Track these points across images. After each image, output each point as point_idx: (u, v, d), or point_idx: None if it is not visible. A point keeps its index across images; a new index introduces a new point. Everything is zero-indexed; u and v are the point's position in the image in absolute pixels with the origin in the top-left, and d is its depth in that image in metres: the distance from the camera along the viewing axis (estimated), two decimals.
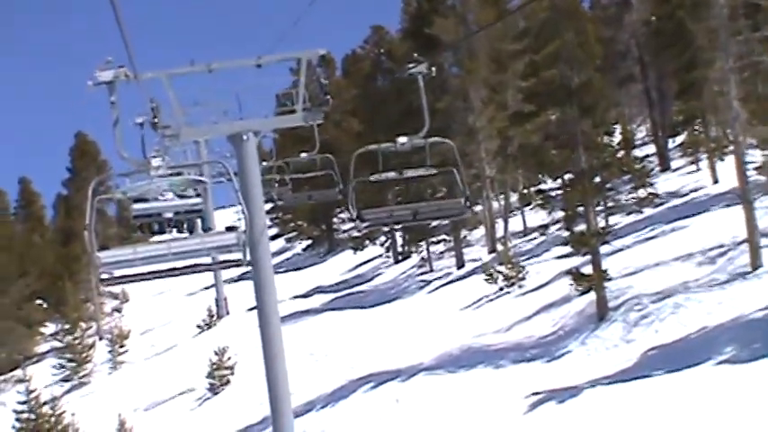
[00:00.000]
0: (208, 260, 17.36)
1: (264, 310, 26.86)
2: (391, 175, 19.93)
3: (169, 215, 18.26)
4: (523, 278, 49.35)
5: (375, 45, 79.73)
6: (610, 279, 37.65)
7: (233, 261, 16.60)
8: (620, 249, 43.86)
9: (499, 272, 50.23)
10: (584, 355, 35.61)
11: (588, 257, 45.46)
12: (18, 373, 78.62)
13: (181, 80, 29.54)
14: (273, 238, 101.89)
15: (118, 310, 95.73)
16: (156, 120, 24.03)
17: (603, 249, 40.24)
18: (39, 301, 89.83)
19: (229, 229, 16.58)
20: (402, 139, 19.42)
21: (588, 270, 39.05)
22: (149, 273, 16.56)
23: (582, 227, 38.56)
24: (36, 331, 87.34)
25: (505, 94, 61.26)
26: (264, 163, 33.84)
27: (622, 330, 35.49)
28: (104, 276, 16.27)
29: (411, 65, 20.24)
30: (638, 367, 31.91)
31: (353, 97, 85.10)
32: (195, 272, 17.21)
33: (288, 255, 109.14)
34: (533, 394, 32.40)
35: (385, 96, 71.70)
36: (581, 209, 38.03)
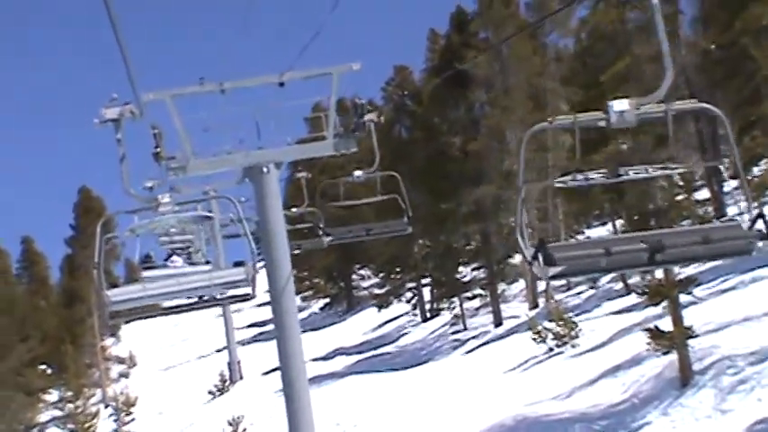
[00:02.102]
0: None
1: (289, 371, 23.31)
2: (349, 202, 30.14)
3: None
4: (576, 336, 43.64)
5: (398, 87, 74.47)
6: (694, 336, 31.61)
7: (241, 296, 17.09)
8: (694, 302, 37.43)
9: (548, 330, 44.53)
10: (668, 427, 29.80)
11: (655, 312, 40.19)
12: None
13: (188, 103, 24.94)
14: None
15: (124, 375, 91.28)
16: (158, 149, 21.06)
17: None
18: (42, 367, 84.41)
19: (237, 264, 16.67)
20: (357, 173, 26.70)
21: (664, 326, 33.22)
22: (157, 310, 17.73)
23: (657, 276, 32.80)
24: (38, 399, 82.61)
25: (545, 134, 55.90)
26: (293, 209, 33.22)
27: (714, 398, 29.56)
28: (113, 309, 16.00)
29: (361, 119, 23.72)
30: None
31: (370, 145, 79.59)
32: (203, 307, 17.47)
33: (304, 314, 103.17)
34: None
35: (408, 142, 66.41)
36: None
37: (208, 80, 24.42)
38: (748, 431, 26.93)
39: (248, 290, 16.71)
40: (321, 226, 29.39)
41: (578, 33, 53.75)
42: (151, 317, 19.86)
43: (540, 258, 11.44)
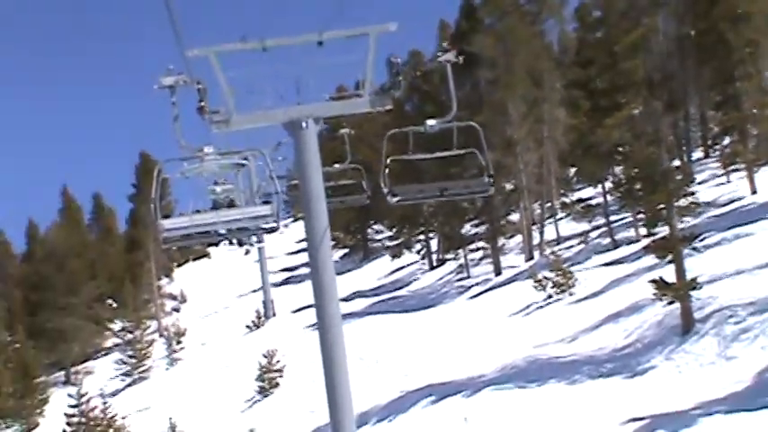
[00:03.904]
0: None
1: (325, 317, 19.14)
2: (420, 155, 19.08)
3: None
4: (573, 285, 39.54)
5: (412, 68, 70.02)
6: (699, 287, 27.42)
7: (268, 228, 16.96)
8: (690, 255, 32.98)
9: (548, 279, 40.43)
10: (673, 371, 25.71)
11: (645, 264, 36.24)
12: (89, 364, 73.56)
13: (232, 60, 20.86)
14: None
15: (176, 309, 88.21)
16: (202, 104, 18.38)
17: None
18: (108, 302, 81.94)
19: (265, 202, 17.49)
20: (430, 122, 18.17)
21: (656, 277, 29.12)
22: (203, 235, 16.89)
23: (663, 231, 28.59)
24: (104, 328, 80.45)
25: (541, 108, 51.90)
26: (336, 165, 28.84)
27: (717, 346, 25.44)
28: (166, 236, 16.37)
29: (439, 53, 18.12)
30: (756, 392, 22.08)
31: (388, 121, 75.40)
32: (238, 236, 19.12)
33: None
34: (633, 420, 22.68)
35: (420, 119, 62.03)
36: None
37: (250, 38, 20.53)
38: (758, 378, 22.91)
39: (274, 224, 16.81)
40: (363, 182, 25.53)
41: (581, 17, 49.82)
42: (197, 243, 19.11)
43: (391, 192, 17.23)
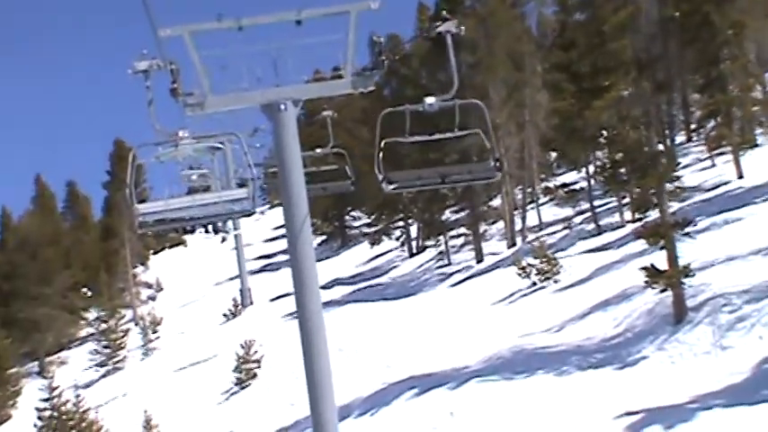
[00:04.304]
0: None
1: (306, 307, 18.13)
2: (418, 137, 16.41)
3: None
4: (558, 272, 38.61)
5: (390, 51, 68.70)
6: (692, 275, 26.48)
7: (243, 211, 17.35)
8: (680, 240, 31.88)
9: (532, 265, 39.49)
10: (665, 362, 24.78)
11: (632, 251, 35.39)
12: (63, 354, 72.69)
13: (206, 40, 19.84)
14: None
15: (152, 298, 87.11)
16: (175, 85, 17.59)
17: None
18: (83, 290, 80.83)
19: (240, 185, 19.94)
20: (430, 100, 16.00)
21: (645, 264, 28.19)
22: (179, 220, 16.87)
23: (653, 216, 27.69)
24: (79, 317, 79.12)
25: (522, 92, 50.97)
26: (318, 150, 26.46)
27: (712, 335, 24.49)
28: (141, 221, 16.43)
29: (438, 23, 16.23)
30: (755, 384, 21.18)
31: (366, 105, 74.11)
32: (213, 221, 19.87)
33: None
34: (627, 414, 21.74)
35: (399, 104, 60.66)
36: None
37: (225, 17, 19.46)
38: (756, 369, 22.03)
39: (250, 207, 16.85)
40: (347, 168, 24.21)
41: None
42: (173, 228, 19.19)
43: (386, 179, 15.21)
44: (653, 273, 26.68)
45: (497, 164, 15.79)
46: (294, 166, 19.29)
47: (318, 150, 25.86)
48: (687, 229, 27.37)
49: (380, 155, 15.34)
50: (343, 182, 24.66)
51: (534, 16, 58.89)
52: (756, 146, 45.08)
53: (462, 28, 15.65)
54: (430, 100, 16.01)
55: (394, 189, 16.43)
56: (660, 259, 27.57)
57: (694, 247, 29.76)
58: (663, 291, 26.64)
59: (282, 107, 19.17)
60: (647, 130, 27.21)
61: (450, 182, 17.18)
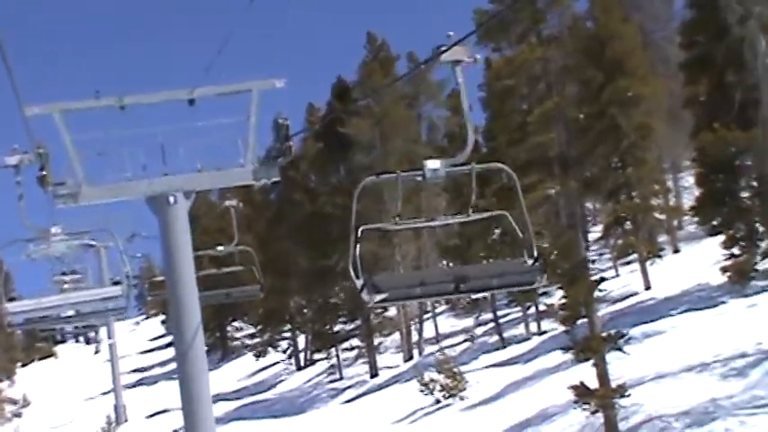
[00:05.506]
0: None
1: (198, 425, 15.89)
2: (412, 223, 12.39)
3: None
4: (464, 388, 35.81)
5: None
6: (626, 395, 23.87)
7: (117, 310, 16.74)
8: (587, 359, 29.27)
9: (435, 381, 36.59)
10: None
11: (545, 366, 32.96)
12: None
13: (84, 122, 17.16)
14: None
15: (17, 415, 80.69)
16: (44, 173, 15.28)
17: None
18: None
19: (115, 283, 17.09)
20: (433, 164, 10.07)
21: (566, 382, 25.64)
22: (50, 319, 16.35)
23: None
24: None
25: (420, 196, 48.64)
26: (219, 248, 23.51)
27: None
28: (10, 320, 16.01)
29: (442, 46, 10.13)
30: None
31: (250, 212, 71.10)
32: (86, 323, 20.49)
33: None
34: None
35: (287, 208, 57.79)
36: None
37: (105, 95, 16.76)
38: None
39: (124, 303, 16.56)
40: (256, 269, 21.33)
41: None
42: (43, 327, 19.68)
43: (368, 287, 9.69)
44: (583, 391, 24.04)
45: (536, 263, 9.98)
46: (185, 269, 16.77)
47: (220, 248, 22.67)
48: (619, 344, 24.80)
49: (357, 247, 9.71)
50: (251, 287, 22.37)
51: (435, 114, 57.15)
52: (659, 256, 43.31)
53: (478, 57, 10.84)
54: (433, 164, 10.16)
55: (381, 301, 10.14)
56: (582, 376, 25.08)
57: (619, 362, 27.35)
58: (594, 412, 23.98)
59: (172, 200, 16.58)
60: (575, 231, 24.90)
61: (467, 289, 10.24)
